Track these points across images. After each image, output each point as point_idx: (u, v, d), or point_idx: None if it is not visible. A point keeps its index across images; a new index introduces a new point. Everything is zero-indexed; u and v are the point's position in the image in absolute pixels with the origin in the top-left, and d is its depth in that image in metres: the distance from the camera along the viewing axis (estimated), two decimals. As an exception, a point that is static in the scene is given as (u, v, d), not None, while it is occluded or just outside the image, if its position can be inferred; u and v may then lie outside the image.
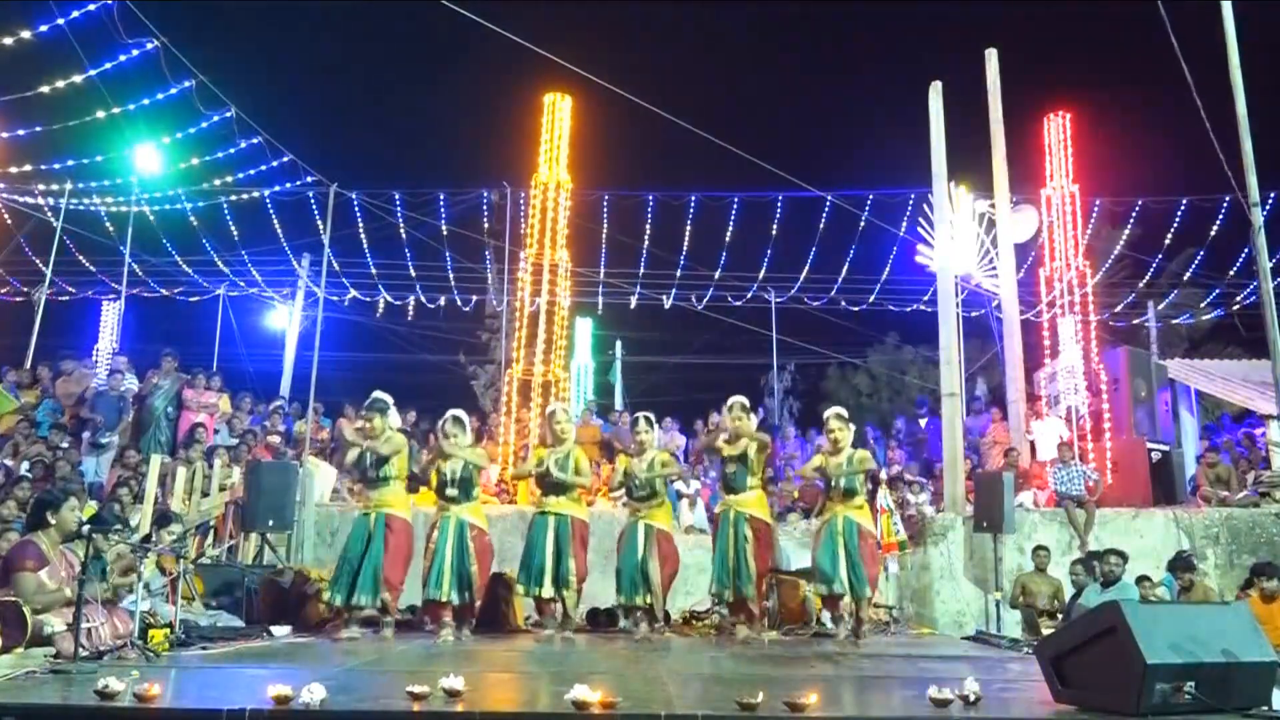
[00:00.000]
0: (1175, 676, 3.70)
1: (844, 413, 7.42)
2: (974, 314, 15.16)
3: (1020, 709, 4.14)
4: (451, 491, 7.03)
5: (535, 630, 7.53)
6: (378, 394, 7.14)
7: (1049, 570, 8.92)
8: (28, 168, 14.01)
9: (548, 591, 7.22)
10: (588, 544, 7.52)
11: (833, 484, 7.20)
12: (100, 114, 12.70)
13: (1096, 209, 16.08)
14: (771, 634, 7.44)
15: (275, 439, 11.59)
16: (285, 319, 18.61)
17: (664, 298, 18.06)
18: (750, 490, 7.36)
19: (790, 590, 8.11)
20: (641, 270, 17.35)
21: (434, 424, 15.38)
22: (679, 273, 17.36)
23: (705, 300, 17.93)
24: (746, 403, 7.53)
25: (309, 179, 14.91)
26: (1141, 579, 8.25)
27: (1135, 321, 19.18)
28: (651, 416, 7.92)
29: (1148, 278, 18.30)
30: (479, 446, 8.36)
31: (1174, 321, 19.66)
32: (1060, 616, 8.20)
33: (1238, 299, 17.43)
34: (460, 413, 7.23)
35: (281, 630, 6.85)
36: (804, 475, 8.67)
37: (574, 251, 13.50)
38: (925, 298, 16.27)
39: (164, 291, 17.98)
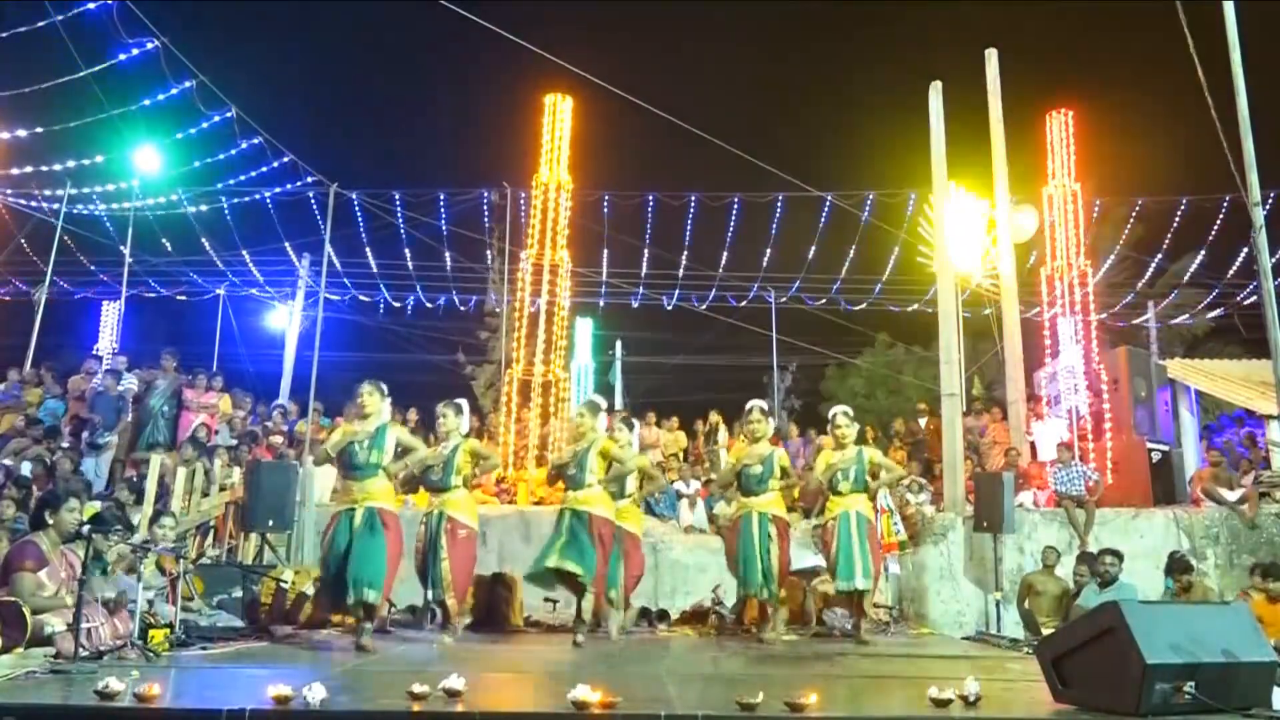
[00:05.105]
0: (1175, 676, 3.69)
1: (765, 406, 7.45)
2: (986, 312, 15.12)
3: (1020, 709, 4.13)
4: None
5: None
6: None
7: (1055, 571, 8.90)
8: (29, 168, 14.02)
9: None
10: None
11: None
12: (101, 114, 12.72)
13: (1098, 208, 16.09)
14: (789, 635, 7.41)
15: (276, 439, 11.58)
16: (285, 319, 18.61)
17: (665, 298, 18.07)
18: (770, 491, 7.18)
19: (792, 591, 8.10)
20: (643, 270, 17.38)
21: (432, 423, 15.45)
22: (680, 273, 17.38)
23: (706, 301, 17.96)
24: (765, 406, 7.46)
25: (309, 179, 14.95)
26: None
27: (1135, 321, 19.17)
28: (633, 420, 8.32)
29: (1147, 276, 18.32)
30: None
31: (1173, 322, 19.64)
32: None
33: (1238, 299, 17.43)
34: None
35: (281, 630, 6.85)
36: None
37: (575, 252, 13.50)
38: (925, 298, 16.29)
39: (164, 291, 18.01)
